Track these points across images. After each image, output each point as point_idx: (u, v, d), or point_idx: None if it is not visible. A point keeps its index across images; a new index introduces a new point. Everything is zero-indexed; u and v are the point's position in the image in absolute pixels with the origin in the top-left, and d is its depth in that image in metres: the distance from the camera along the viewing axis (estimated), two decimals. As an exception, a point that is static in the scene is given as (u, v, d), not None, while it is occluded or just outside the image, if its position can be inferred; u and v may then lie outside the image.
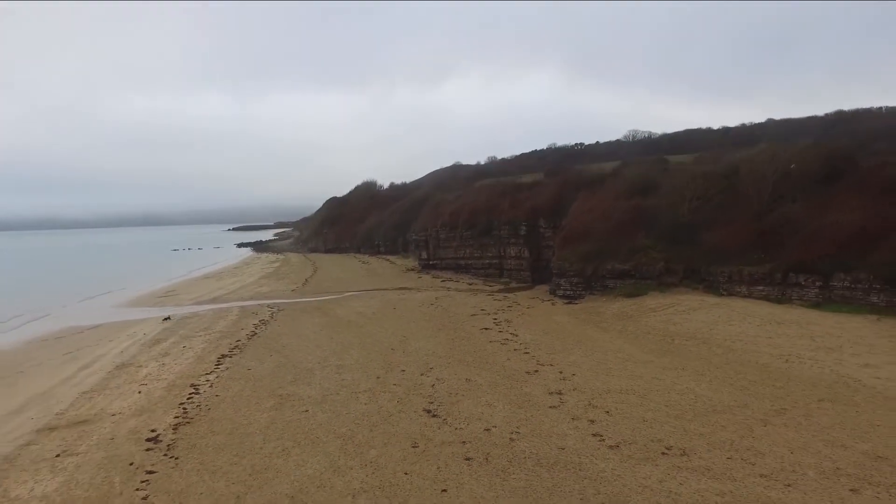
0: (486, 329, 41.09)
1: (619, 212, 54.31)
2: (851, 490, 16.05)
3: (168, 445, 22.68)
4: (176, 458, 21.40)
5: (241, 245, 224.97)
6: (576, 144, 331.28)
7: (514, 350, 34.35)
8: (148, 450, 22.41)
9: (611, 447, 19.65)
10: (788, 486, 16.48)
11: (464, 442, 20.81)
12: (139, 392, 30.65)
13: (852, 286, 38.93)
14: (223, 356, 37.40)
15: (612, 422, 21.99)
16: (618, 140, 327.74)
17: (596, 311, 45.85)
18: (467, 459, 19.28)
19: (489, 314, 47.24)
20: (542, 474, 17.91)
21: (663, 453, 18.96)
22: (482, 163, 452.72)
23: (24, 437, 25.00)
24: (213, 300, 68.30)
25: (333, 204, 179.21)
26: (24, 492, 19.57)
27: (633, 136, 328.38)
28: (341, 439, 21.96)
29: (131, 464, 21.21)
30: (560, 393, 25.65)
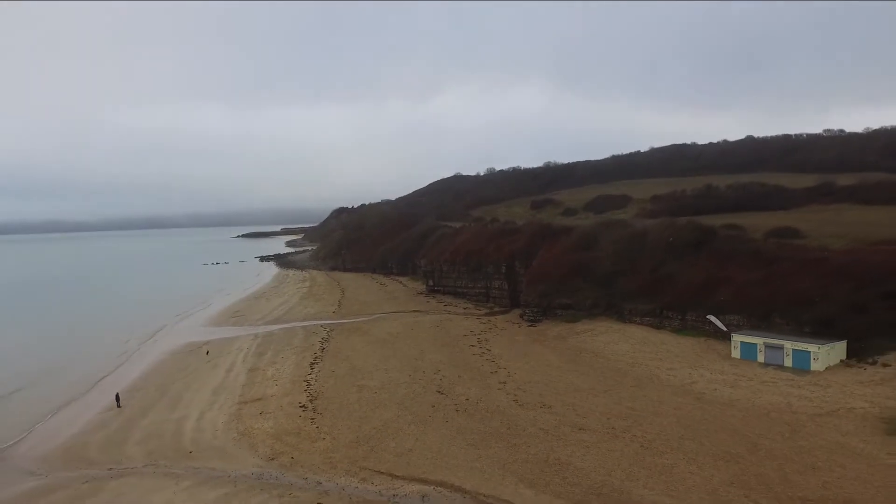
0: (472, 346, 65.67)
1: (567, 263, 78.67)
2: (607, 418, 40.50)
3: (313, 409, 47.09)
4: (321, 414, 45.81)
5: (262, 259, 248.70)
6: (566, 164, 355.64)
7: (487, 360, 58.96)
8: (304, 410, 46.83)
9: (520, 405, 44.17)
10: (584, 417, 40.95)
11: (455, 404, 45.33)
12: (276, 384, 55.10)
13: (697, 319, 63.23)
14: (312, 363, 61.88)
15: (525, 395, 46.49)
16: (602, 159, 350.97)
17: (544, 332, 70.34)
18: (456, 410, 43.82)
19: (475, 335, 71.78)
20: (486, 415, 42.42)
21: (541, 407, 43.45)
22: (481, 174, 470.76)
23: (234, 406, 49.48)
24: (277, 320, 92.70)
25: (350, 227, 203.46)
26: (259, 426, 44.05)
27: (618, 154, 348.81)
28: (397, 405, 46.36)
29: (300, 416, 45.65)
30: (504, 382, 50.26)
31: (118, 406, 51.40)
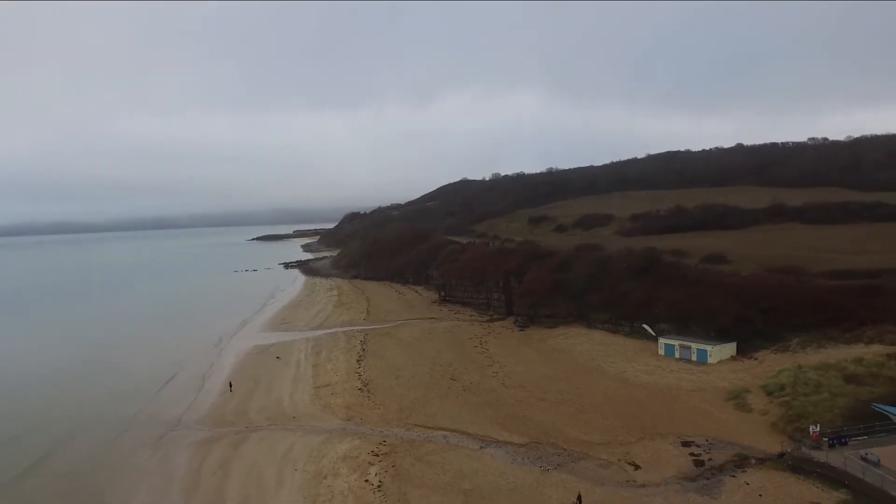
0: (475, 346, 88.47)
1: (549, 281, 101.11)
2: (560, 393, 63.20)
3: (367, 390, 70.16)
4: (373, 393, 68.87)
5: (287, 266, 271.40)
6: (567, 170, 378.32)
7: (485, 357, 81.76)
8: (361, 391, 69.92)
9: (505, 387, 67.04)
10: (546, 393, 63.71)
11: (463, 387, 68.29)
12: (336, 375, 78.10)
13: (639, 326, 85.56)
14: (358, 360, 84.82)
15: (509, 380, 69.28)
16: (602, 166, 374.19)
17: (530, 336, 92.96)
18: (464, 390, 66.82)
19: (478, 338, 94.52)
20: (483, 393, 65.32)
21: (519, 388, 66.28)
22: (487, 178, 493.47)
23: (312, 390, 72.55)
24: (319, 326, 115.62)
25: (368, 240, 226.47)
26: (334, 401, 67.18)
27: (616, 161, 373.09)
28: (424, 387, 69.35)
29: (359, 395, 68.70)
30: (497, 372, 73.11)
31: (230, 390, 74.34)
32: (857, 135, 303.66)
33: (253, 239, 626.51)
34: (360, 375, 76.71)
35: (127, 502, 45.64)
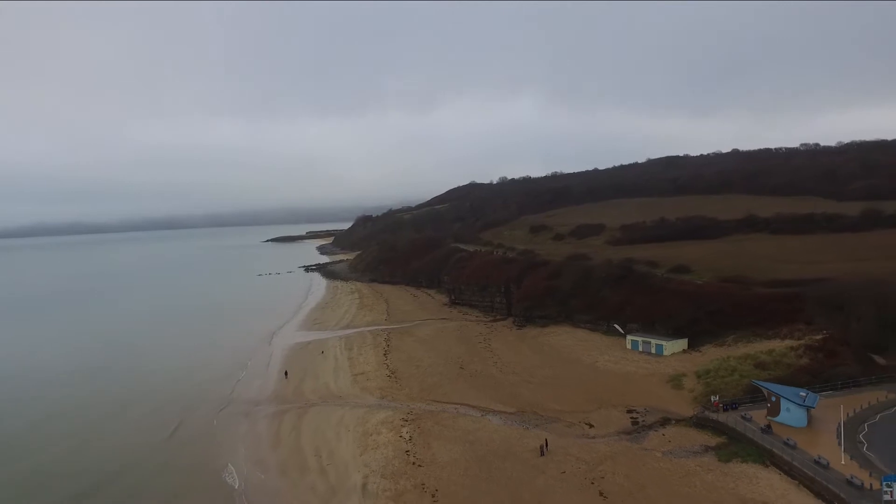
0: (480, 343, 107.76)
1: (543, 287, 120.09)
2: (543, 378, 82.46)
3: (395, 377, 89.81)
4: (400, 379, 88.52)
5: (307, 269, 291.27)
6: (570, 174, 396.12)
7: (488, 351, 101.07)
8: (389, 378, 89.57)
9: (502, 373, 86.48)
10: (533, 377, 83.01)
11: (470, 374, 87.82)
12: (368, 366, 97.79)
13: (613, 326, 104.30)
14: (384, 354, 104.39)
15: (506, 368, 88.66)
16: (604, 169, 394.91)
17: (525, 334, 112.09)
18: (470, 376, 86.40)
19: (482, 335, 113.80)
20: (485, 378, 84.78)
21: (513, 374, 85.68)
22: (494, 182, 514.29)
23: (350, 377, 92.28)
24: (347, 326, 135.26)
25: (384, 247, 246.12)
26: (370, 385, 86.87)
27: (618, 165, 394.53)
28: (439, 374, 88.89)
29: (388, 380, 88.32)
30: (496, 363, 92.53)
31: (286, 377, 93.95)
32: (847, 140, 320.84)
33: (267, 241, 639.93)
34: (388, 366, 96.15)
35: (236, 453, 65.23)
